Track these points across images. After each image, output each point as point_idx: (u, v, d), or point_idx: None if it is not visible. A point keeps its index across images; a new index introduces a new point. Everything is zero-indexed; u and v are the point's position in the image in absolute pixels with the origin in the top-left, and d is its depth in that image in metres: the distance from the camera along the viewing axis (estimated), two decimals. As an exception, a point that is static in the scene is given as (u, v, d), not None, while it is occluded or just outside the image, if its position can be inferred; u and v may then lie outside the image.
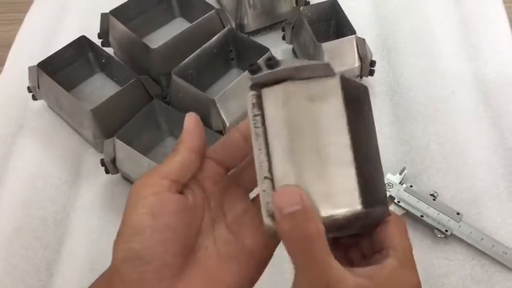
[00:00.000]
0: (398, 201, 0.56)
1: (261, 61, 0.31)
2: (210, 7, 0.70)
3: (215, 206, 0.35)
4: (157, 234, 0.31)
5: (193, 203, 0.33)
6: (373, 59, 0.66)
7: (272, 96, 0.30)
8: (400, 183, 0.57)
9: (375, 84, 0.69)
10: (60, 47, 0.66)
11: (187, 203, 0.33)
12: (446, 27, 0.75)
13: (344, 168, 0.29)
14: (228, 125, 0.61)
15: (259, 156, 0.30)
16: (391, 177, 0.58)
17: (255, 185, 0.34)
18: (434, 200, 0.56)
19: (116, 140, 0.57)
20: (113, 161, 0.58)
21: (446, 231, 0.54)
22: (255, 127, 0.30)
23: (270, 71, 0.29)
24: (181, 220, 0.32)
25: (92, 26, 0.71)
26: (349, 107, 0.30)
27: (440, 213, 0.55)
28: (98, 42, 0.70)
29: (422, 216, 0.55)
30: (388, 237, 0.31)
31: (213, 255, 0.34)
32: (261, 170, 0.30)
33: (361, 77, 0.67)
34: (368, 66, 0.65)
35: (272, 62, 0.29)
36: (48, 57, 0.65)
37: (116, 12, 0.69)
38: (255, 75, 0.30)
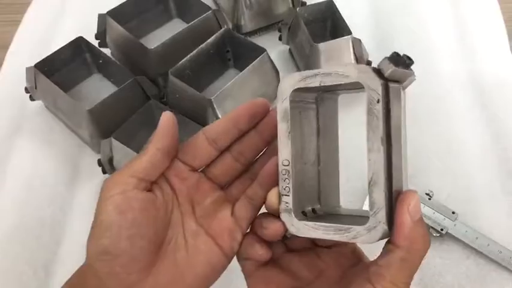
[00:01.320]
0: None
1: (404, 56, 0.30)
2: (207, 8, 0.70)
3: (183, 201, 0.36)
4: (124, 230, 0.32)
5: (161, 200, 0.35)
6: (369, 59, 0.66)
7: (396, 92, 0.31)
8: None
9: (371, 85, 0.69)
10: (58, 48, 0.66)
11: (155, 200, 0.35)
12: (442, 27, 0.75)
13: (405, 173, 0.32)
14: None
15: (377, 151, 0.29)
16: None
17: (225, 181, 0.38)
18: (429, 199, 0.56)
19: (113, 140, 0.57)
20: (110, 161, 0.58)
21: (442, 230, 0.54)
22: (376, 117, 0.29)
23: (407, 70, 0.30)
24: (148, 216, 0.34)
25: (89, 27, 0.71)
26: None
27: (436, 213, 0.55)
28: (95, 43, 0.70)
29: None
30: None
31: (181, 248, 0.36)
32: (372, 165, 0.29)
33: (357, 77, 0.68)
34: (364, 67, 0.66)
35: (410, 62, 0.30)
36: (45, 58, 0.65)
37: (113, 13, 0.69)
38: (397, 68, 0.29)
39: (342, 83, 0.31)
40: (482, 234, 0.54)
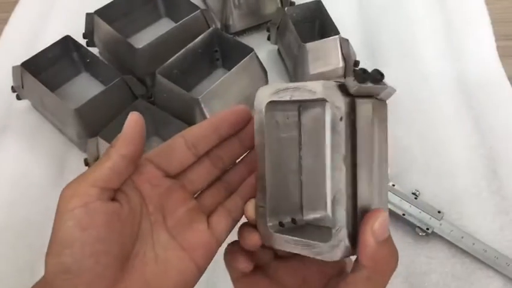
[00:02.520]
0: None
1: (373, 71, 0.29)
2: (195, 7, 0.70)
3: (154, 210, 0.33)
4: (87, 247, 0.29)
5: (127, 210, 0.32)
6: (357, 59, 0.67)
7: (365, 109, 0.29)
8: None
9: (359, 85, 0.69)
10: (45, 47, 0.66)
11: (120, 211, 0.31)
12: (430, 28, 0.76)
13: (384, 188, 0.31)
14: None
15: (339, 169, 0.29)
16: None
17: (200, 187, 0.36)
18: (416, 198, 0.56)
19: (99, 139, 0.57)
20: (97, 160, 0.58)
21: (428, 229, 0.54)
22: (338, 135, 0.29)
23: (377, 85, 0.29)
24: (114, 230, 0.30)
25: (77, 26, 0.71)
26: None
27: (422, 212, 0.55)
28: (83, 42, 0.70)
29: (404, 214, 0.55)
30: None
31: (151, 261, 0.33)
32: (335, 184, 0.29)
33: (345, 77, 0.68)
34: (352, 67, 0.66)
35: (381, 77, 0.29)
36: (32, 57, 0.64)
37: (101, 13, 0.69)
38: (364, 85, 0.28)
39: (309, 98, 0.30)
40: (467, 234, 0.54)
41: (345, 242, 0.29)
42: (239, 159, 0.36)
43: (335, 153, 0.29)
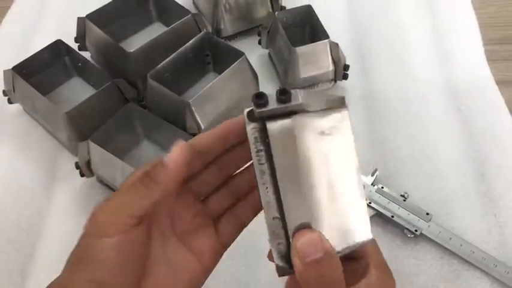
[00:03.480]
0: (370, 202, 0.57)
1: (272, 94, 0.28)
2: (187, 12, 0.71)
3: (164, 216, 0.34)
4: (123, 267, 0.31)
5: (147, 223, 0.33)
6: (347, 63, 0.67)
7: (279, 131, 0.28)
8: (371, 184, 0.59)
9: (349, 88, 0.70)
10: (36, 51, 0.66)
11: (145, 229, 0.33)
12: (419, 32, 0.77)
13: (357, 202, 0.30)
14: (203, 127, 0.61)
15: (266, 195, 0.28)
16: (363, 179, 0.59)
17: (208, 189, 0.36)
18: (404, 200, 0.57)
19: (90, 142, 0.57)
20: (88, 164, 0.58)
21: (416, 231, 0.55)
22: (259, 163, 0.28)
23: (282, 105, 0.28)
24: (144, 251, 0.33)
25: (69, 30, 0.72)
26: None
27: (410, 214, 0.56)
28: (75, 46, 0.70)
29: (393, 216, 0.56)
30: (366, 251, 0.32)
31: (163, 265, 0.34)
32: (269, 209, 0.29)
33: (335, 81, 0.69)
34: (342, 70, 0.67)
35: (285, 97, 0.27)
36: (23, 61, 0.65)
37: (93, 17, 0.69)
38: (262, 109, 0.27)
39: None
40: (455, 235, 0.55)
41: (278, 262, 0.29)
42: (246, 166, 0.37)
43: (260, 179, 0.29)
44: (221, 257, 0.36)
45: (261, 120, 0.28)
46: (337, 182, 0.30)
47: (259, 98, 0.27)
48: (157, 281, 0.33)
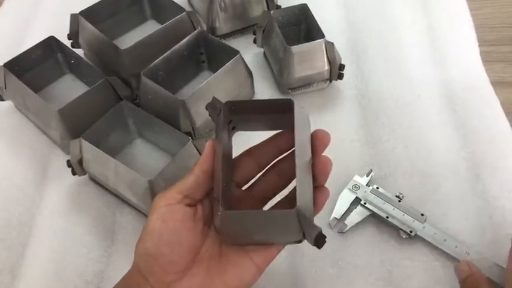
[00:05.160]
0: (365, 203, 0.57)
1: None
2: (181, 10, 0.70)
3: None
4: (165, 237, 0.38)
5: (201, 214, 0.41)
6: (342, 63, 0.67)
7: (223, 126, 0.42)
8: (366, 185, 0.58)
9: (344, 88, 0.70)
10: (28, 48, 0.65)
11: (195, 214, 0.40)
12: (414, 33, 0.76)
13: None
14: (197, 126, 0.61)
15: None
16: (358, 179, 0.59)
17: (270, 195, 0.45)
18: (399, 201, 0.57)
19: (83, 140, 0.56)
20: (80, 162, 0.57)
21: (411, 232, 0.55)
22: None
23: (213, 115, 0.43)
24: (188, 227, 0.39)
25: (62, 26, 0.71)
26: None
27: (405, 215, 0.56)
28: (68, 43, 0.69)
29: (387, 217, 0.56)
30: None
31: (215, 256, 0.40)
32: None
33: (330, 81, 0.68)
34: (337, 70, 0.66)
35: (212, 110, 0.43)
36: (15, 58, 0.64)
37: (86, 13, 0.68)
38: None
39: None
40: (450, 236, 0.54)
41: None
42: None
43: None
44: (273, 259, 0.41)
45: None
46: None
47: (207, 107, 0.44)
48: (208, 270, 0.40)
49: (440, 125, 0.65)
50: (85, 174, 0.59)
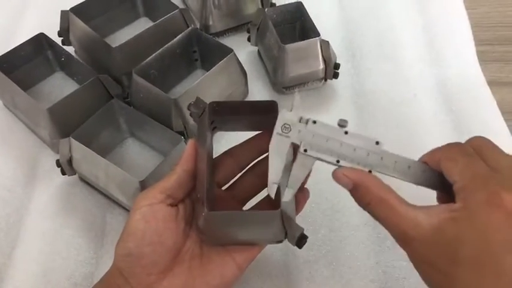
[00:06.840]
0: (305, 150, 0.39)
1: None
2: (174, 7, 0.69)
3: None
4: (147, 237, 0.38)
5: (182, 214, 0.41)
6: (337, 62, 0.66)
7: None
8: (299, 120, 0.40)
9: (339, 87, 0.69)
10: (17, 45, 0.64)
11: (177, 214, 0.40)
12: (410, 32, 0.76)
13: None
14: (189, 125, 0.60)
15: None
16: (286, 115, 0.39)
17: (249, 196, 0.45)
18: (346, 133, 0.41)
19: (72, 140, 0.55)
20: (69, 162, 0.56)
21: (370, 172, 0.41)
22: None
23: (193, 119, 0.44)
24: (169, 227, 0.39)
25: (52, 23, 0.69)
26: None
27: (357, 149, 0.41)
28: (58, 40, 0.68)
29: (338, 161, 0.40)
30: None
31: (196, 257, 0.41)
32: None
33: (325, 80, 0.67)
34: (332, 69, 0.65)
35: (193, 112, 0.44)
36: (3, 55, 0.62)
37: (77, 10, 0.67)
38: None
39: None
40: (416, 161, 0.52)
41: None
42: None
43: None
44: (254, 258, 0.41)
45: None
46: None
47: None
48: (189, 271, 0.40)
49: (437, 125, 0.65)
50: (75, 174, 0.58)
